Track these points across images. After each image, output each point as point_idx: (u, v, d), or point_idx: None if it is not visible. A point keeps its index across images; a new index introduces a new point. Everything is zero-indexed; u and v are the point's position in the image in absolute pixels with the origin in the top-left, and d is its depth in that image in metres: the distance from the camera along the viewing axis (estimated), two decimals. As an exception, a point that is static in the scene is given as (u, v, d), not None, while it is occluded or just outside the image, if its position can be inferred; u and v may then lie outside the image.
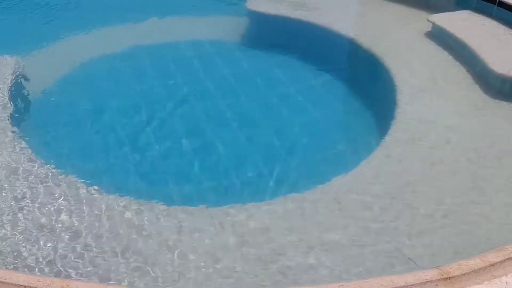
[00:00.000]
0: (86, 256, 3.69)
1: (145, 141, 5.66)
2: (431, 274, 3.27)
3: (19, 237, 3.81)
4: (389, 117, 5.49)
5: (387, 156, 4.89)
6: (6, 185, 4.31)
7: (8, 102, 5.62)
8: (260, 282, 3.54)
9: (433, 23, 7.17)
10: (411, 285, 3.14)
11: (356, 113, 6.19)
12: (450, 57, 6.60)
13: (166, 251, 3.76)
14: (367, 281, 3.19)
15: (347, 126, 6.16)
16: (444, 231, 4.05)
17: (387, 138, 5.12)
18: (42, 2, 8.60)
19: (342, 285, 3.09)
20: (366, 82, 6.81)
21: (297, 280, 3.54)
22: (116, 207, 4.15)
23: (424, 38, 7.13)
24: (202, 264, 3.66)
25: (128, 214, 4.07)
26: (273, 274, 3.60)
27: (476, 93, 5.88)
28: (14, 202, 4.14)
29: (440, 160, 4.85)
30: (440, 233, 4.04)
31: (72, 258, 3.68)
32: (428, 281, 3.20)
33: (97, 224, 3.97)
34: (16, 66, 6.23)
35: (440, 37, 7.00)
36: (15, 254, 3.68)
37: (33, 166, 4.58)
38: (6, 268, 3.53)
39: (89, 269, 3.59)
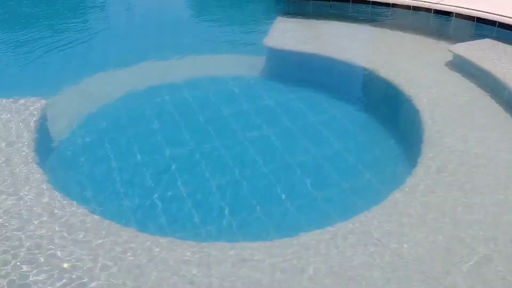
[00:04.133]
0: None
1: (170, 181, 5.58)
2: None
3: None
4: (416, 147, 5.39)
5: (417, 186, 4.76)
6: (36, 227, 4.23)
7: (34, 143, 5.57)
8: None
9: (455, 53, 7.14)
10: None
11: (383, 145, 6.10)
12: (474, 86, 6.55)
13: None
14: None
15: (378, 158, 6.04)
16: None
17: (417, 168, 4.99)
18: (63, 43, 8.75)
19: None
20: (390, 114, 6.75)
21: None
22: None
23: (445, 68, 7.11)
24: None
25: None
26: None
27: (505, 120, 5.78)
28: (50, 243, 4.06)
29: (472, 189, 4.69)
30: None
31: None
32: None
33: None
34: (40, 107, 6.21)
35: (462, 66, 6.97)
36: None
37: (61, 208, 4.50)
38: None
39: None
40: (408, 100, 6.31)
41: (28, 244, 4.04)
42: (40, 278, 3.73)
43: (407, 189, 4.71)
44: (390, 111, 6.83)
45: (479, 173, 4.91)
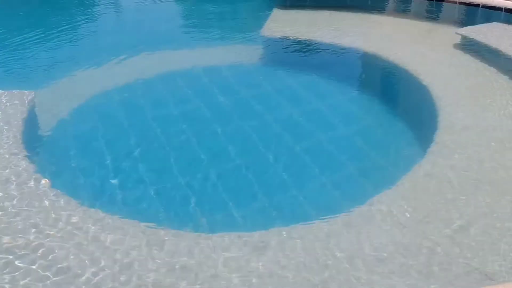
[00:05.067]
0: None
1: (166, 169, 5.19)
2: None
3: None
4: (431, 127, 5.09)
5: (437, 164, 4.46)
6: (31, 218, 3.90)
7: (22, 135, 5.21)
8: None
9: (463, 36, 6.88)
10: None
11: (397, 127, 5.78)
12: (485, 65, 6.29)
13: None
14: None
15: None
16: None
17: (433, 145, 4.70)
18: (52, 37, 8.46)
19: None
20: (402, 98, 6.45)
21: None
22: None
23: (453, 50, 6.85)
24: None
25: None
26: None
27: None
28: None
29: (491, 165, 4.41)
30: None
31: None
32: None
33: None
34: (29, 100, 5.89)
35: (470, 48, 6.73)
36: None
37: (50, 199, 4.16)
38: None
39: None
40: (417, 82, 6.01)
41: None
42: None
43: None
44: (399, 94, 6.53)
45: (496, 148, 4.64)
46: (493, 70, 6.10)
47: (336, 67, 7.28)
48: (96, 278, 3.32)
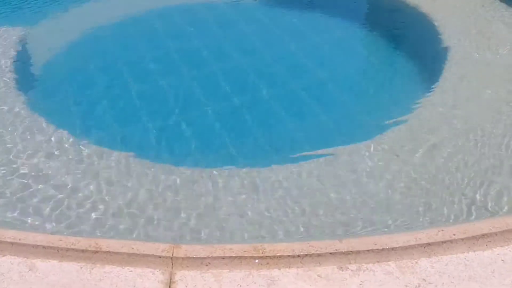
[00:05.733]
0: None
1: (160, 105, 5.05)
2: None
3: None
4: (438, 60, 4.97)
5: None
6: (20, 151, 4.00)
7: (14, 70, 5.22)
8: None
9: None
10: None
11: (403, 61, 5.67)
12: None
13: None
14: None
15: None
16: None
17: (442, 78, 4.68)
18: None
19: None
20: (408, 33, 6.27)
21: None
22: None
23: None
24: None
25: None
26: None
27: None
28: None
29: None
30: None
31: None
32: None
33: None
34: (21, 36, 5.90)
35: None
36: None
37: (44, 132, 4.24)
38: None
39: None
40: (422, 15, 5.86)
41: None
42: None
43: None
44: (404, 30, 6.35)
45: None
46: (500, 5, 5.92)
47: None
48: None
